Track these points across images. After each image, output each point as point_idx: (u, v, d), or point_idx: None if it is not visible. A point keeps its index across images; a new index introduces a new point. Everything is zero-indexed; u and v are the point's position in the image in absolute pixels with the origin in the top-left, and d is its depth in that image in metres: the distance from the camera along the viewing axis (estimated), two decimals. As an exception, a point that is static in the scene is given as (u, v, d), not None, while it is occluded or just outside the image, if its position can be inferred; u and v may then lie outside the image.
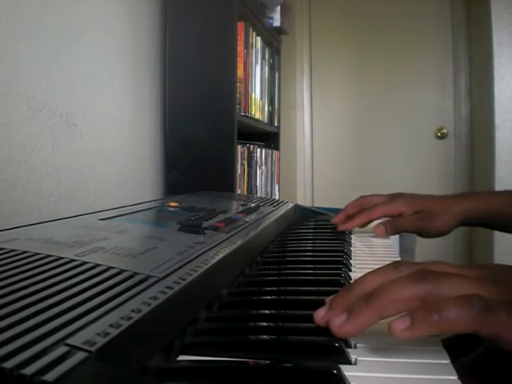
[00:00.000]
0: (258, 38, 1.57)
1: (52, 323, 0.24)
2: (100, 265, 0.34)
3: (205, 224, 0.54)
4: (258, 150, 1.63)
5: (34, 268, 0.32)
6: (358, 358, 0.30)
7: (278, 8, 1.74)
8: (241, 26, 1.37)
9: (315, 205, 2.35)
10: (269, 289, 0.46)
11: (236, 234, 0.54)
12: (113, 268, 0.34)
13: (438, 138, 2.56)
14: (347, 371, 0.27)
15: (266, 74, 1.70)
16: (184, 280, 0.34)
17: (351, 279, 0.48)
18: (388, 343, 0.31)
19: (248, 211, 0.71)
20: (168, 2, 1.30)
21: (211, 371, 0.28)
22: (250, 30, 1.47)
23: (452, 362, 0.29)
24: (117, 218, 0.54)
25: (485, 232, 2.16)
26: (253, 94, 1.51)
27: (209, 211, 0.65)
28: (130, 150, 1.21)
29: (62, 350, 0.22)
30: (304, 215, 0.93)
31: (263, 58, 1.64)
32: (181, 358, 0.30)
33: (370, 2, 2.61)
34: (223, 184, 1.28)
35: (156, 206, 0.68)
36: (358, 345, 0.32)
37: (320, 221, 0.88)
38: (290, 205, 0.91)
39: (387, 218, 0.73)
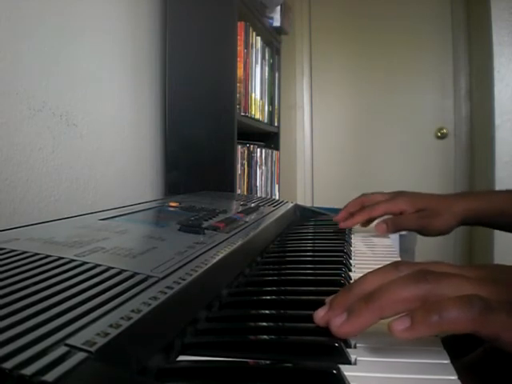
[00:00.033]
0: (258, 38, 1.57)
1: (52, 323, 0.24)
2: (100, 265, 0.34)
3: (205, 224, 0.54)
4: (258, 149, 1.63)
5: (34, 268, 0.32)
6: (358, 358, 0.30)
7: (278, 8, 1.74)
8: (241, 26, 1.37)
9: (315, 205, 2.35)
10: (269, 289, 0.46)
11: (236, 233, 0.54)
12: (113, 268, 0.34)
13: (438, 138, 2.56)
14: (347, 371, 0.27)
15: (266, 74, 1.70)
16: (184, 280, 0.34)
17: (351, 279, 0.48)
18: (388, 343, 0.31)
19: (248, 211, 0.71)
20: (168, 2, 1.30)
21: (211, 371, 0.28)
22: (250, 30, 1.47)
23: (452, 362, 0.29)
24: (117, 218, 0.54)
25: (485, 232, 2.16)
26: (253, 94, 1.51)
27: (209, 211, 0.65)
28: (130, 150, 1.21)
29: (62, 350, 0.22)
30: (304, 215, 0.93)
31: (263, 58, 1.64)
32: (181, 358, 0.30)
33: (370, 2, 2.61)
34: (223, 184, 1.28)
35: (156, 206, 0.68)
36: (357, 345, 0.32)
37: (320, 221, 0.88)
38: (290, 205, 0.91)
39: (388, 216, 0.74)
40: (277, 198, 1.86)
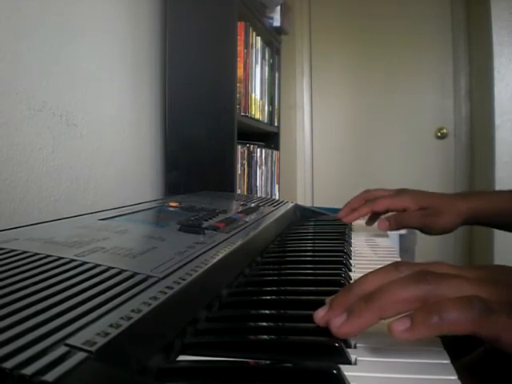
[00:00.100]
0: (258, 38, 1.57)
1: (52, 323, 0.24)
2: (100, 265, 0.34)
3: (205, 224, 0.54)
4: (258, 150, 1.63)
5: (34, 268, 0.32)
6: (358, 358, 0.30)
7: (278, 8, 1.74)
8: (241, 26, 1.37)
9: (315, 205, 2.36)
10: (269, 289, 0.46)
11: (236, 234, 0.54)
12: (113, 268, 0.34)
13: (438, 138, 2.56)
14: (347, 371, 0.27)
15: (266, 74, 1.70)
16: (184, 280, 0.34)
17: (351, 279, 0.48)
18: (388, 343, 0.31)
19: (248, 211, 0.71)
20: (168, 2, 1.30)
21: (211, 371, 0.28)
22: (250, 29, 1.47)
23: (452, 362, 0.29)
24: (117, 218, 0.54)
25: (485, 232, 2.16)
26: (253, 94, 1.51)
27: (209, 211, 0.65)
28: (130, 150, 1.21)
29: (62, 350, 0.22)
30: (304, 215, 0.93)
31: (263, 58, 1.64)
32: (181, 358, 0.30)
33: (370, 2, 2.61)
34: (223, 184, 1.28)
35: (156, 206, 0.68)
36: (358, 345, 0.32)
37: (320, 221, 0.88)
38: (290, 205, 0.91)
39: (391, 213, 0.73)
40: (277, 198, 1.86)
